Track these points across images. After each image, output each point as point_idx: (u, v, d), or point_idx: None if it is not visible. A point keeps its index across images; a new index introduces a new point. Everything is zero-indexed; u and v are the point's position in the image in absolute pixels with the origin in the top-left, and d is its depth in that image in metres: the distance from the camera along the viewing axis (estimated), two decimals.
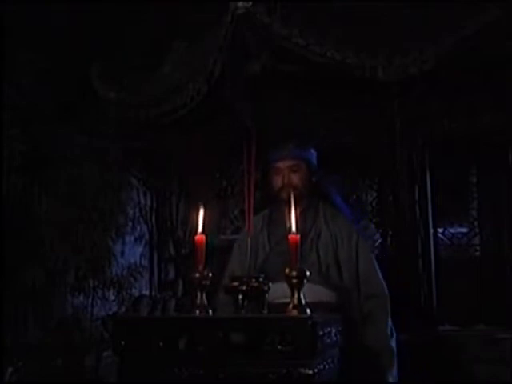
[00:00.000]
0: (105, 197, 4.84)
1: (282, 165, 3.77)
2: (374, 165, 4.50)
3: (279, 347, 2.73)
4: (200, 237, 3.06)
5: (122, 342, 2.93)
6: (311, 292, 3.35)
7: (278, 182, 3.77)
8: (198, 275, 3.02)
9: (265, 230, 3.81)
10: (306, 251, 3.63)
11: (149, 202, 5.22)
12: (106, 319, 4.66)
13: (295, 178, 3.75)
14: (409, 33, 3.61)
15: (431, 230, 4.37)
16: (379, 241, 4.44)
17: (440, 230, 4.42)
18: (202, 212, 3.10)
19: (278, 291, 3.05)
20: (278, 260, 3.44)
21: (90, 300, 4.89)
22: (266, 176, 4.18)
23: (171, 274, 5.10)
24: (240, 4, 3.66)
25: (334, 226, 3.71)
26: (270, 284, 3.10)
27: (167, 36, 4.62)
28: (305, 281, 2.91)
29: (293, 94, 4.12)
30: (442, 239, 4.41)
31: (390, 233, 4.39)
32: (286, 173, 3.75)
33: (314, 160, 3.85)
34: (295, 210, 3.01)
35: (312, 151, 3.86)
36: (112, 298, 4.95)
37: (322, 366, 2.83)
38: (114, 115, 4.51)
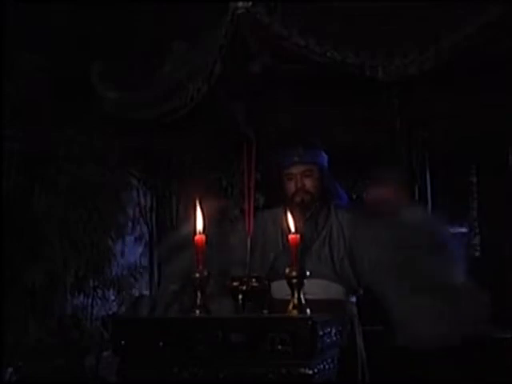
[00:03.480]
0: (105, 197, 4.84)
1: (295, 170, 3.78)
2: (374, 165, 4.50)
3: (279, 347, 2.73)
4: (200, 237, 3.06)
5: (122, 342, 2.93)
6: (323, 288, 3.38)
7: (291, 187, 3.78)
8: (197, 275, 3.02)
9: (278, 226, 3.80)
10: (319, 247, 3.66)
11: (149, 202, 5.23)
12: (106, 319, 4.66)
13: (308, 183, 3.75)
14: (409, 33, 3.61)
15: None
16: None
17: None
18: (198, 208, 3.10)
19: (287, 288, 3.05)
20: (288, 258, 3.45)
21: (89, 300, 4.90)
22: (266, 176, 4.18)
23: None
24: (240, 4, 3.65)
25: (344, 220, 3.73)
26: (280, 281, 3.11)
27: (167, 36, 4.62)
28: (305, 281, 2.92)
29: (293, 93, 4.12)
30: None
31: None
32: (299, 178, 3.76)
33: (326, 163, 3.85)
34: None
35: (323, 154, 3.86)
36: (112, 298, 4.95)
37: (321, 366, 2.83)
38: (114, 115, 4.51)
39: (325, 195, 3.82)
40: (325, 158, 3.87)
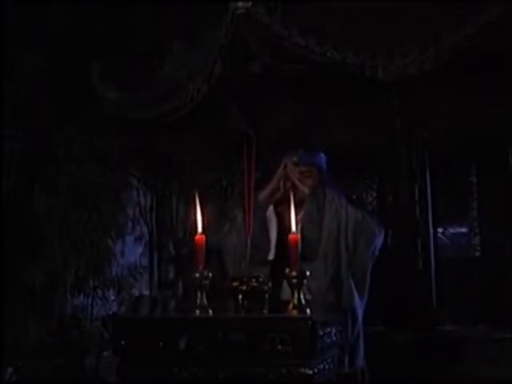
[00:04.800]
0: (105, 197, 4.84)
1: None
2: (374, 165, 4.50)
3: (279, 347, 2.73)
4: (200, 237, 3.06)
5: (122, 342, 2.93)
6: None
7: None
8: (197, 275, 3.02)
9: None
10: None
11: (149, 202, 5.23)
12: (106, 319, 4.66)
13: (307, 181, 3.73)
14: (409, 33, 3.61)
15: (431, 230, 4.36)
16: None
17: (440, 230, 4.42)
18: (198, 202, 3.09)
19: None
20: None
21: (90, 300, 4.90)
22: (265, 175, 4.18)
23: (171, 274, 5.10)
24: (240, 4, 3.66)
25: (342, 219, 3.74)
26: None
27: (167, 36, 4.62)
28: (305, 281, 2.92)
29: (293, 93, 4.13)
30: (442, 239, 4.41)
31: (390, 233, 4.39)
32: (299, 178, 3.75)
33: (324, 164, 3.84)
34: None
35: (322, 155, 3.84)
36: (112, 298, 4.95)
37: (321, 366, 2.84)
38: (114, 115, 4.51)
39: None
40: (323, 158, 3.86)
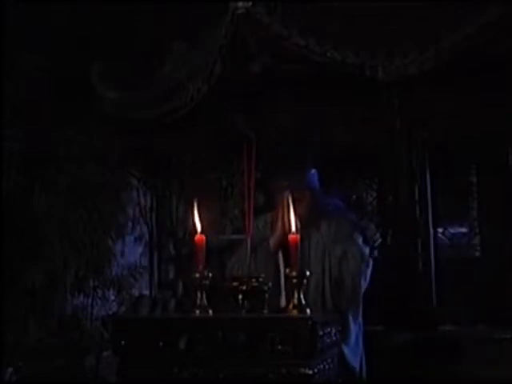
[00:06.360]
0: (105, 197, 4.85)
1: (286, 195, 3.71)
2: (374, 165, 4.50)
3: (279, 347, 2.73)
4: (200, 237, 3.06)
5: (122, 342, 2.93)
6: None
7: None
8: (197, 275, 3.02)
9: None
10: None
11: (149, 202, 5.23)
12: (106, 319, 4.66)
13: (300, 208, 3.65)
14: (409, 33, 3.61)
15: (431, 230, 4.36)
16: (379, 241, 4.44)
17: (440, 230, 4.41)
18: (196, 209, 3.10)
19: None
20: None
21: (90, 300, 4.90)
22: (265, 177, 4.17)
23: (171, 274, 5.11)
24: (240, 4, 3.66)
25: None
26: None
27: (167, 36, 4.63)
28: (304, 281, 2.92)
29: (293, 93, 4.13)
30: (442, 239, 4.41)
31: (390, 233, 4.39)
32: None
33: (316, 182, 3.77)
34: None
35: (313, 172, 3.76)
36: (112, 298, 4.96)
37: (321, 366, 2.84)
38: (114, 115, 4.51)
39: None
40: (315, 175, 3.77)
